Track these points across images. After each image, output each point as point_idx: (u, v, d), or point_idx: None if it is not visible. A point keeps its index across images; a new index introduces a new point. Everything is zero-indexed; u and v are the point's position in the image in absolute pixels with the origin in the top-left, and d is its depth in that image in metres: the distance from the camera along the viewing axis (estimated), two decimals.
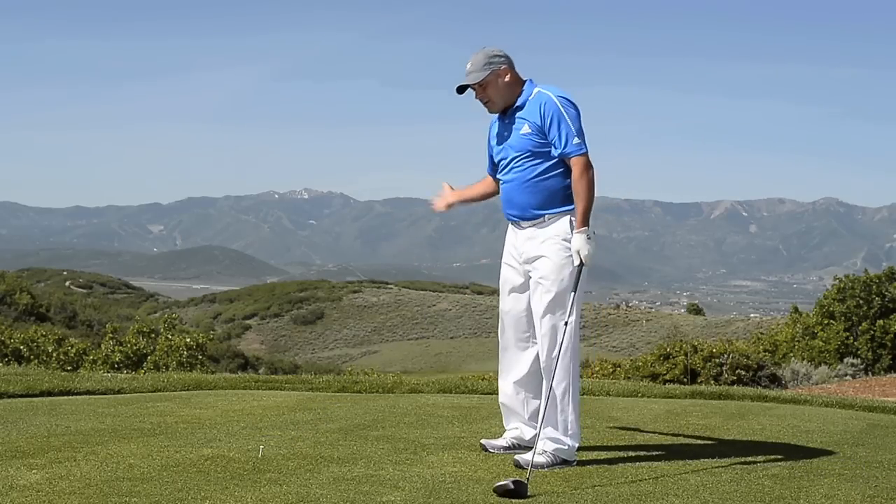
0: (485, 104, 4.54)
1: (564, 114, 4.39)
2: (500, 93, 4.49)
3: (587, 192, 4.37)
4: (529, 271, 4.50)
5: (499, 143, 4.59)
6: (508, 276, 4.61)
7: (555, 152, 4.41)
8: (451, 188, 4.94)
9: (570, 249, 4.39)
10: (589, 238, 4.36)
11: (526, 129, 4.45)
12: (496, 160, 4.64)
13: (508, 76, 4.48)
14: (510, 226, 4.64)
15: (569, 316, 4.35)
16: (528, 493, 3.75)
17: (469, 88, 4.51)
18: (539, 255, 4.45)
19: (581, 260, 4.36)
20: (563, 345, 4.34)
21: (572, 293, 4.37)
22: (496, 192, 4.75)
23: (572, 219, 4.41)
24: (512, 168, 4.51)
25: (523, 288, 4.54)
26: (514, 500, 3.68)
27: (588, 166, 4.38)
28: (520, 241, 4.54)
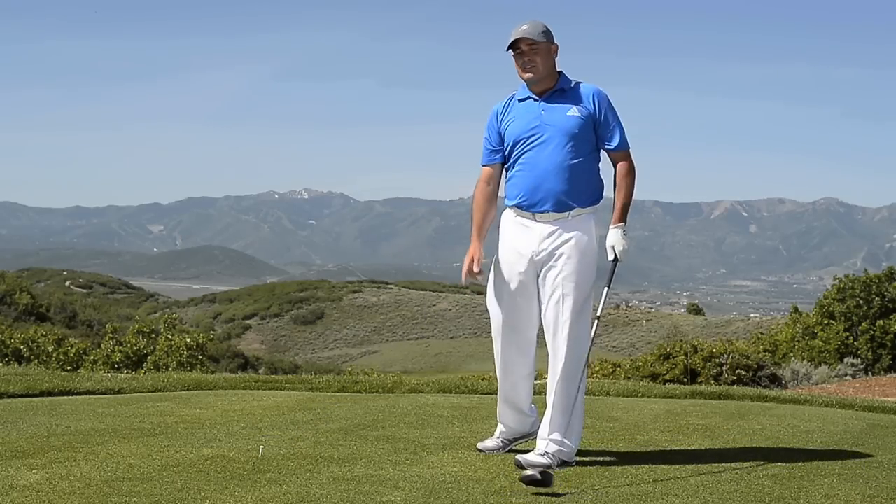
0: (528, 68, 4.34)
1: (614, 108, 4.41)
2: (546, 64, 4.36)
3: (631, 188, 4.40)
4: (541, 271, 4.34)
5: (531, 122, 4.36)
6: (515, 277, 4.38)
7: (608, 145, 4.37)
8: (478, 255, 4.43)
9: (592, 251, 4.33)
10: (625, 234, 4.33)
11: (574, 111, 4.33)
12: (516, 142, 4.38)
13: (556, 55, 4.42)
14: (516, 217, 4.41)
15: (586, 320, 4.33)
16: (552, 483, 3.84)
17: (517, 49, 4.34)
18: (561, 255, 4.30)
19: (616, 255, 4.32)
20: (579, 349, 4.31)
21: (591, 295, 4.35)
22: (496, 192, 4.55)
23: (594, 219, 4.37)
24: (549, 151, 4.31)
25: (532, 289, 4.37)
26: (540, 489, 3.78)
27: (633, 167, 4.42)
28: (534, 238, 4.33)
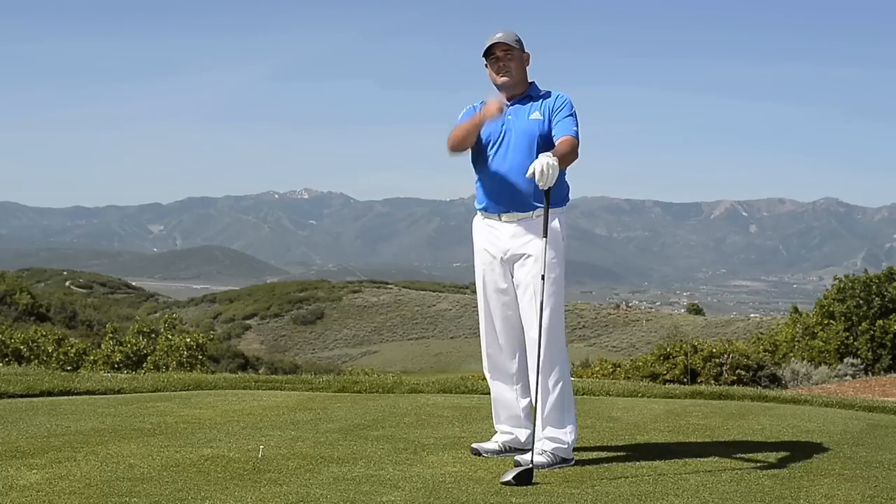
0: (503, 73, 4.46)
1: (573, 109, 4.45)
2: (518, 71, 4.48)
3: (570, 149, 4.28)
4: (512, 271, 4.43)
5: (497, 125, 4.45)
6: (489, 276, 4.50)
7: (557, 131, 4.36)
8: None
9: (560, 248, 4.36)
10: (550, 157, 4.12)
11: (537, 114, 4.43)
12: (485, 142, 4.47)
13: (528, 64, 4.53)
14: (484, 220, 4.51)
15: (559, 315, 4.35)
16: (533, 481, 3.90)
17: (491, 56, 4.45)
18: (526, 254, 4.38)
19: (531, 171, 4.13)
20: (555, 344, 4.34)
21: (562, 291, 4.37)
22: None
23: (559, 218, 4.38)
24: (513, 152, 4.40)
25: (507, 287, 4.46)
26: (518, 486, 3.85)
27: (578, 146, 4.34)
28: (502, 238, 4.44)
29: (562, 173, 4.39)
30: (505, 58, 4.46)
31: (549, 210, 4.33)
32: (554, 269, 4.35)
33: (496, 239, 4.46)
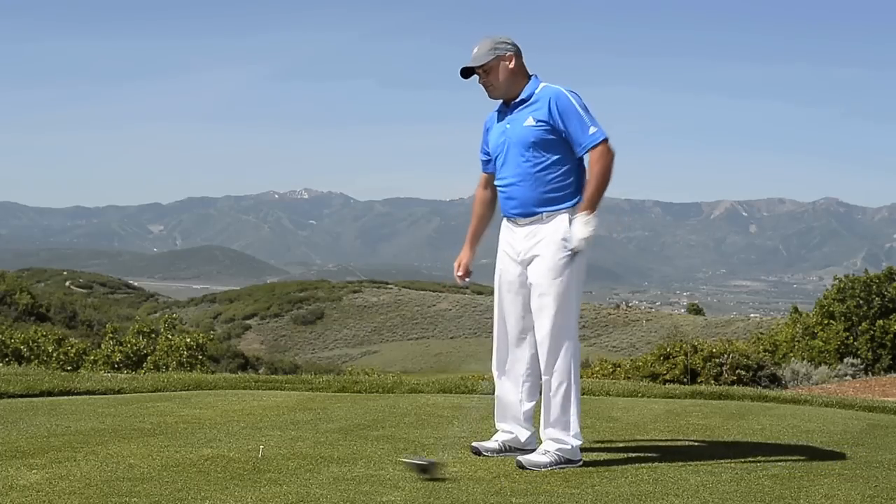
0: (488, 89, 4.49)
1: (577, 107, 4.37)
2: (503, 79, 4.45)
3: (597, 178, 4.32)
4: (526, 271, 4.45)
5: (499, 137, 4.53)
6: (506, 276, 4.54)
7: (579, 151, 4.37)
8: (464, 260, 4.76)
9: (567, 249, 4.35)
10: (587, 224, 4.27)
11: (530, 120, 4.40)
12: (493, 155, 4.59)
13: (513, 63, 4.46)
14: (505, 222, 4.58)
15: (567, 316, 4.35)
16: (438, 476, 3.93)
17: (473, 73, 4.48)
18: (536, 255, 4.40)
19: (574, 246, 4.28)
20: (563, 345, 4.34)
21: (572, 291, 4.37)
22: (495, 195, 4.71)
23: (571, 217, 4.38)
24: (512, 162, 4.45)
25: (522, 287, 4.48)
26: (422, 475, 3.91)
27: (604, 153, 4.32)
28: (517, 240, 4.49)
29: (574, 170, 4.42)
30: (484, 75, 4.46)
31: (560, 209, 4.39)
32: (562, 270, 4.34)
33: (514, 241, 4.51)
